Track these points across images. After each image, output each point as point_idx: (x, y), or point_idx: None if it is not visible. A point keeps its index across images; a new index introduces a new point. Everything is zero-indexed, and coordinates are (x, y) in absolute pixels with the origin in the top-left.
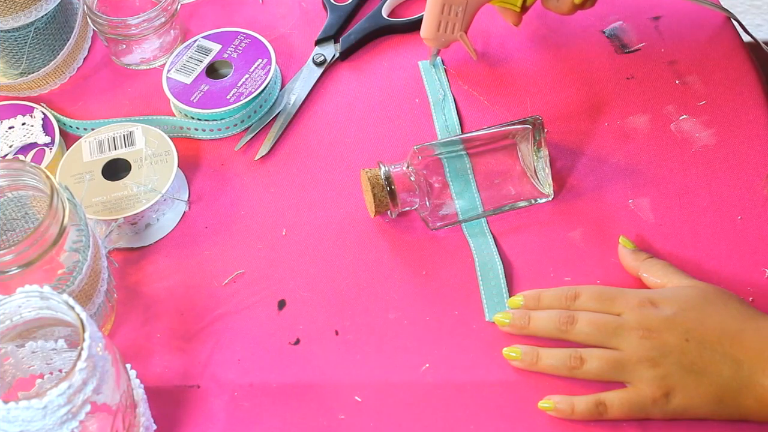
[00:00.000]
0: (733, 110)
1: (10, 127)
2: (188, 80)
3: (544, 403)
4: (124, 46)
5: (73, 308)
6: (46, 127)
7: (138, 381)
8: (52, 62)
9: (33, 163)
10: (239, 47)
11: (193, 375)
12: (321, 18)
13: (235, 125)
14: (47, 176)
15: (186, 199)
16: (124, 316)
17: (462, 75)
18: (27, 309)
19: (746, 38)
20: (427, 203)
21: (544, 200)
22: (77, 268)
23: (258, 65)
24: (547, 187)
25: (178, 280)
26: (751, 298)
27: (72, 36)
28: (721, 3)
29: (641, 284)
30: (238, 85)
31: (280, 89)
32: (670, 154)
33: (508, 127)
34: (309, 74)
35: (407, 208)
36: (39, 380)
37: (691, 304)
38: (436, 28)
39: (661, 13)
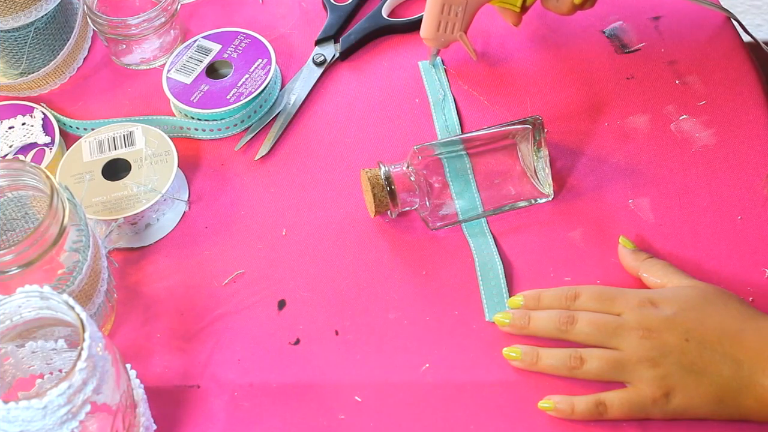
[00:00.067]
0: (733, 110)
1: (10, 127)
2: (188, 80)
3: (544, 403)
4: (124, 46)
5: (73, 308)
6: (46, 127)
7: (138, 381)
8: (52, 62)
9: (33, 163)
10: (239, 47)
11: (193, 375)
12: (321, 18)
13: (235, 125)
14: (47, 176)
15: (186, 199)
16: (124, 316)
17: (462, 75)
18: (27, 309)
19: (746, 38)
20: (427, 203)
21: (544, 200)
22: (77, 268)
23: (258, 65)
24: (547, 187)
25: (178, 280)
26: (751, 298)
27: (72, 36)
28: (721, 3)
29: (641, 284)
30: (238, 85)
31: (280, 89)
32: (670, 154)
33: (508, 127)
34: (309, 74)
35: (407, 208)
36: (39, 380)
37: (691, 304)
38: (436, 28)
39: (661, 13)
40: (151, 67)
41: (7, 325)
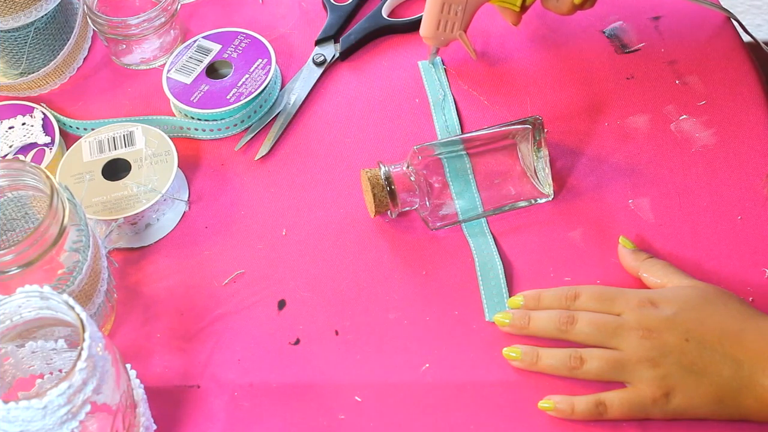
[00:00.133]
0: (733, 110)
1: (10, 127)
2: (188, 80)
3: (544, 403)
4: (124, 46)
5: (73, 308)
6: (46, 127)
7: (138, 381)
8: (52, 62)
9: (33, 163)
10: (239, 47)
11: (193, 375)
12: (321, 18)
13: (235, 125)
14: (47, 176)
15: (186, 199)
16: (124, 316)
17: (462, 75)
18: (27, 309)
19: (746, 38)
20: (427, 203)
21: (544, 200)
22: (77, 268)
23: (258, 65)
24: (547, 187)
25: (178, 280)
26: (751, 298)
27: (72, 36)
28: (721, 3)
29: (641, 284)
30: (238, 85)
31: (280, 89)
32: (670, 154)
33: (508, 127)
34: (309, 74)
35: (407, 208)
36: (39, 380)
37: (691, 304)
38: (436, 27)
39: (661, 13)
40: (151, 67)
41: (7, 325)
